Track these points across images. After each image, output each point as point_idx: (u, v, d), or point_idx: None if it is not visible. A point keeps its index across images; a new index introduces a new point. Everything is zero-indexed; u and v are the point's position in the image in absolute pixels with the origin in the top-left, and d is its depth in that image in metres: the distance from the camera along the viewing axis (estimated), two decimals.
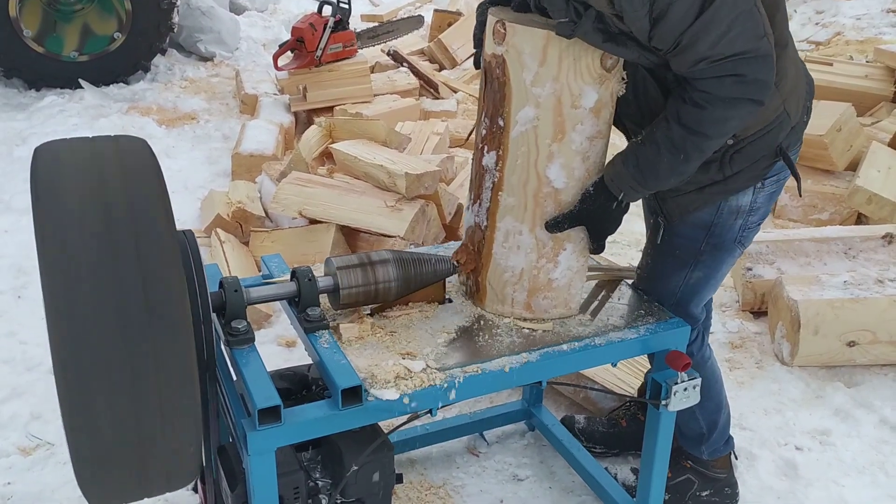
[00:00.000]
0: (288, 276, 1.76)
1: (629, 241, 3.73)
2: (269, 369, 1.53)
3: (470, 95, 5.55)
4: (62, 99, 5.05)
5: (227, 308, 1.56)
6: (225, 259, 2.98)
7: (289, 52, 4.73)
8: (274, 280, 1.78)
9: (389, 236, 2.92)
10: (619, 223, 1.67)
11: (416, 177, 2.95)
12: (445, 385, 1.51)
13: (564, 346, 1.65)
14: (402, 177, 2.95)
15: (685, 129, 1.50)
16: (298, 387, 1.79)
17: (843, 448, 2.38)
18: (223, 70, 5.86)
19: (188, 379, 1.28)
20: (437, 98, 5.09)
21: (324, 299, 1.70)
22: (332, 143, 3.49)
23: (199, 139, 4.67)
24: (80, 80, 5.20)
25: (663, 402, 1.71)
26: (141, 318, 1.20)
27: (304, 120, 4.72)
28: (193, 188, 3.95)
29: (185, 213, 3.64)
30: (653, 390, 1.74)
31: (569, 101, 1.53)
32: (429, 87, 5.14)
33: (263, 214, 3.35)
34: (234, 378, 1.59)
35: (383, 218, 2.96)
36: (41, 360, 2.61)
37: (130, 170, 1.31)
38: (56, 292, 1.18)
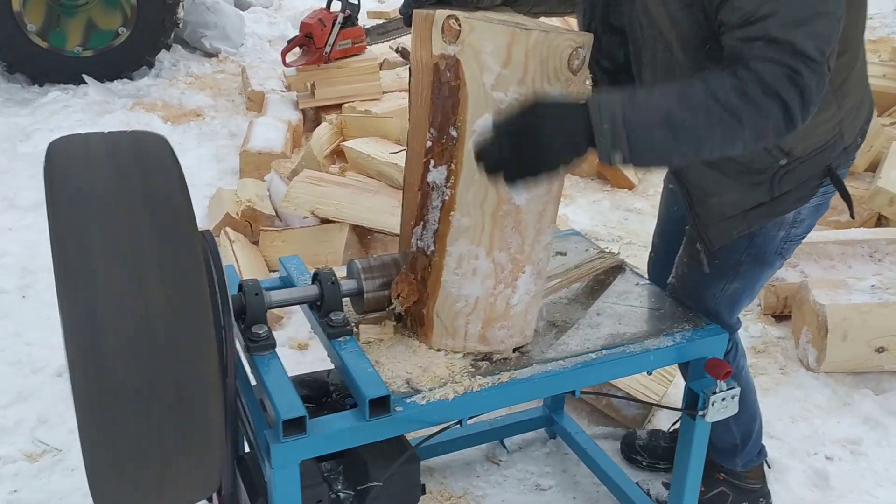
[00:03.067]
0: (309, 279, 1.69)
1: (644, 242, 3.66)
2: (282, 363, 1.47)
3: None
4: (66, 95, 4.97)
5: (248, 312, 1.49)
6: (235, 259, 2.91)
7: (297, 48, 4.66)
8: (290, 284, 1.71)
9: None
10: (559, 163, 1.29)
11: None
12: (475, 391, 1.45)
13: (593, 355, 1.58)
14: None
15: (708, 93, 1.25)
16: (319, 393, 1.72)
17: (875, 458, 2.31)
18: (228, 66, 5.79)
19: (211, 388, 1.21)
20: None
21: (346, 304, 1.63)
22: (344, 140, 3.43)
23: (206, 136, 4.60)
24: (84, 76, 5.13)
25: (700, 413, 1.64)
26: (163, 325, 1.13)
27: (311, 117, 4.64)
28: (200, 186, 3.87)
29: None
30: (688, 400, 1.67)
31: None
32: None
33: (273, 213, 3.28)
34: (254, 383, 1.52)
35: (398, 218, 2.88)
36: (47, 361, 2.55)
37: (151, 168, 1.25)
38: (74, 298, 1.11)
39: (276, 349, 1.52)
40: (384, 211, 2.92)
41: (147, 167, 1.24)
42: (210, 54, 5.94)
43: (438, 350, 1.53)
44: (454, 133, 1.40)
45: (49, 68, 5.11)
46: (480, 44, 1.34)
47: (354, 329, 1.58)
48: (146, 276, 1.13)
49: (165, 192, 1.22)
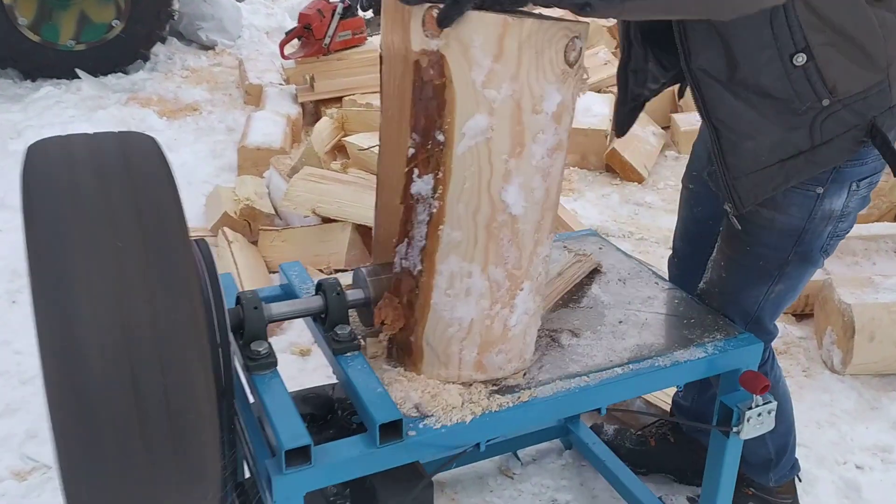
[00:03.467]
0: (312, 288, 1.58)
1: (657, 238, 3.54)
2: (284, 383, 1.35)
3: None
4: (59, 90, 4.84)
5: (246, 328, 1.37)
6: (233, 260, 2.80)
7: (296, 40, 4.53)
8: (292, 294, 1.59)
9: None
10: None
11: None
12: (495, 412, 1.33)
13: (619, 370, 1.46)
14: None
15: None
16: (323, 411, 1.60)
17: None
18: (225, 59, 5.66)
19: (204, 412, 1.10)
20: None
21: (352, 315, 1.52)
22: (346, 135, 3.30)
23: (202, 131, 4.47)
24: (78, 70, 5.00)
25: (734, 430, 1.53)
26: (149, 344, 1.02)
27: (311, 111, 4.52)
28: (197, 183, 3.75)
29: (190, 211, 3.36)
30: (721, 415, 1.56)
31: (529, 104, 1.23)
32: None
33: (273, 212, 3.16)
34: (252, 401, 1.41)
35: None
36: (38, 371, 2.42)
37: (138, 171, 1.14)
38: (50, 314, 1.00)
39: (277, 355, 1.41)
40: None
41: (133, 170, 1.14)
42: (206, 47, 5.81)
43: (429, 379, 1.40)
44: (440, 137, 1.25)
45: (41, 63, 4.98)
46: (469, 37, 1.19)
47: (361, 342, 1.46)
48: (130, 289, 1.02)
49: (153, 197, 1.12)
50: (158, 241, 1.08)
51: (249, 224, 3.12)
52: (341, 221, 2.82)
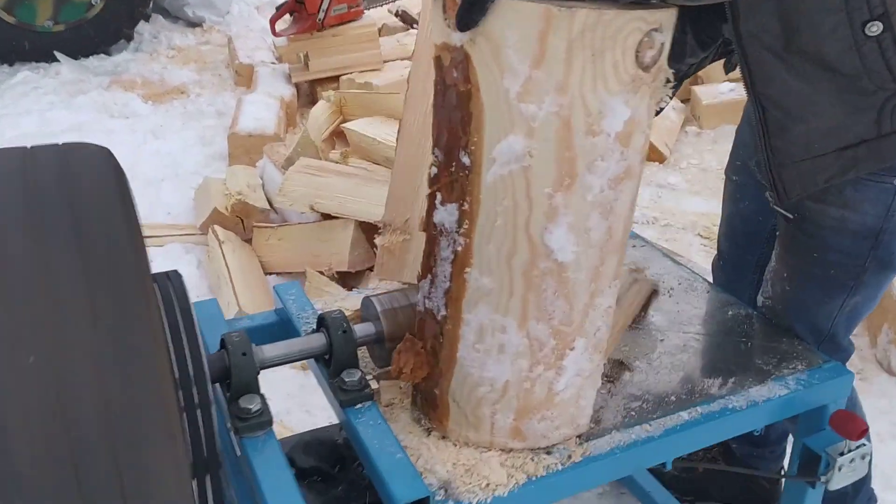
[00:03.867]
0: (311, 316, 1.33)
1: (683, 223, 3.28)
2: (280, 404, 1.11)
3: None
4: (37, 74, 4.55)
5: (234, 380, 1.12)
6: (225, 263, 2.54)
7: (287, 15, 4.22)
8: (288, 326, 1.34)
9: None
10: None
11: None
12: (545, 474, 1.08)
13: (685, 415, 1.21)
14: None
15: None
16: (329, 462, 1.36)
17: None
18: (214, 37, 5.34)
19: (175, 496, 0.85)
20: None
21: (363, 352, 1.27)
22: (345, 121, 3.03)
23: (191, 116, 4.19)
24: (56, 53, 4.70)
25: (822, 479, 1.28)
26: (100, 437, 0.77)
27: (306, 91, 4.23)
28: (185, 175, 3.48)
29: (178, 206, 3.19)
30: (805, 461, 1.31)
31: (583, 123, 0.93)
32: None
33: (267, 206, 2.89)
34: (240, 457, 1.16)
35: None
36: None
37: (83, 191, 0.90)
38: None
39: (274, 370, 1.17)
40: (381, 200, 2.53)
41: (77, 194, 0.90)
42: (193, 24, 5.49)
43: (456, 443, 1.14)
44: (466, 160, 0.99)
45: (17, 46, 4.67)
46: (501, 32, 0.91)
47: (374, 385, 1.22)
48: (70, 356, 0.78)
49: (102, 228, 0.87)
50: (108, 286, 0.83)
51: (242, 221, 2.85)
52: (343, 218, 2.55)
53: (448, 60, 0.97)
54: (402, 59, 4.34)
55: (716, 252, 1.81)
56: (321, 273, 2.54)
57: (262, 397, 1.13)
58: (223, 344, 1.14)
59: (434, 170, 1.05)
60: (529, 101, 0.93)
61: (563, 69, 0.91)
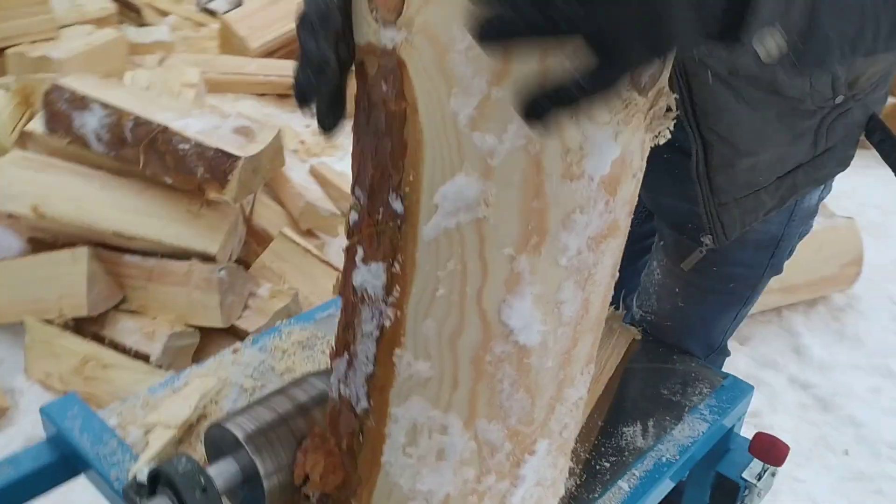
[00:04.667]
0: (115, 445, 0.91)
1: None
2: None
3: (186, 19, 4.48)
4: None
5: None
6: None
7: None
8: None
9: (186, 257, 2.00)
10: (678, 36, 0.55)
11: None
12: None
13: (624, 484, 1.03)
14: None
15: None
16: None
17: None
18: None
19: None
20: (143, 25, 4.21)
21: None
22: (34, 115, 2.38)
23: None
24: None
25: None
26: None
27: None
28: None
29: None
30: (721, 492, 1.20)
31: (558, 163, 0.67)
32: (128, 9, 4.28)
33: None
34: None
35: (180, 227, 2.00)
36: None
37: None
38: None
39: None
40: (136, 208, 2.02)
41: None
42: None
43: None
44: (397, 206, 0.70)
45: None
46: (448, 30, 0.63)
47: None
48: None
49: None
50: None
51: None
52: (70, 248, 1.98)
53: (374, 68, 0.67)
54: (82, 23, 3.68)
55: None
56: (48, 322, 1.98)
57: None
58: None
59: (354, 215, 0.74)
60: (487, 129, 0.65)
61: None
